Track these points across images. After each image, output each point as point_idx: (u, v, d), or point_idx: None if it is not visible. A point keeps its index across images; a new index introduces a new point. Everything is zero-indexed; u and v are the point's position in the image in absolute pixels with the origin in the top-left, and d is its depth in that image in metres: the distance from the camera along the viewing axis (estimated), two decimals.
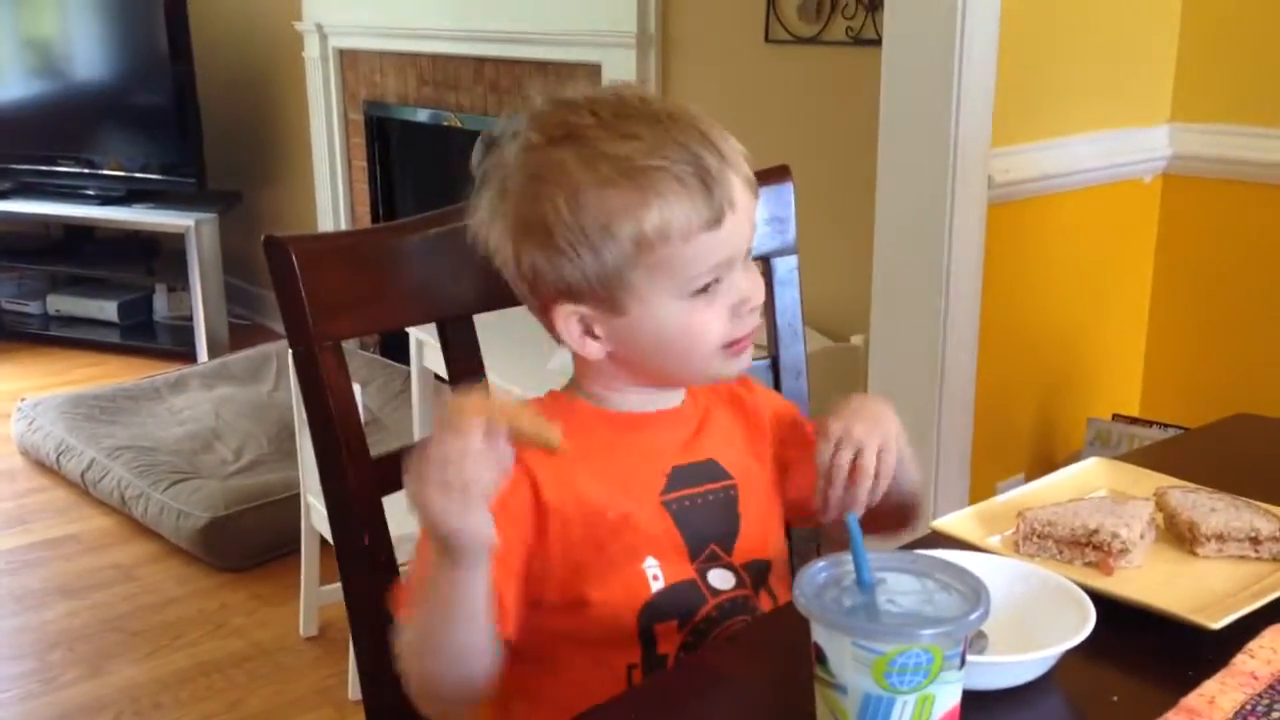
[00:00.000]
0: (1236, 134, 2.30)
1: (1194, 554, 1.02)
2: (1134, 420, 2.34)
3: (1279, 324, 2.31)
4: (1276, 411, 1.49)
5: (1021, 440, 2.34)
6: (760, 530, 1.06)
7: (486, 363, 1.19)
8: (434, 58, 3.74)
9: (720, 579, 1.01)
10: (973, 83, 2.00)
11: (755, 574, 1.04)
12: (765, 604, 1.04)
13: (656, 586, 0.98)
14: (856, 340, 2.45)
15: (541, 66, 3.32)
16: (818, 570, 0.79)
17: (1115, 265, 2.42)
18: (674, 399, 1.04)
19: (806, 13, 2.62)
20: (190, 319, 4.41)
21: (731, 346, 0.98)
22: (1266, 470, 1.19)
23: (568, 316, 0.97)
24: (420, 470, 0.82)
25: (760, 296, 0.99)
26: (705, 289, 0.95)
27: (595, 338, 0.98)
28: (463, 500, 0.82)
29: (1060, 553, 1.00)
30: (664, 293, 0.95)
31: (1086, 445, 2.33)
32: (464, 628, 0.89)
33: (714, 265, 0.95)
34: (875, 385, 2.19)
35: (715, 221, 0.93)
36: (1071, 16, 2.19)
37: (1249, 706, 0.81)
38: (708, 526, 1.02)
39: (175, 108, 4.31)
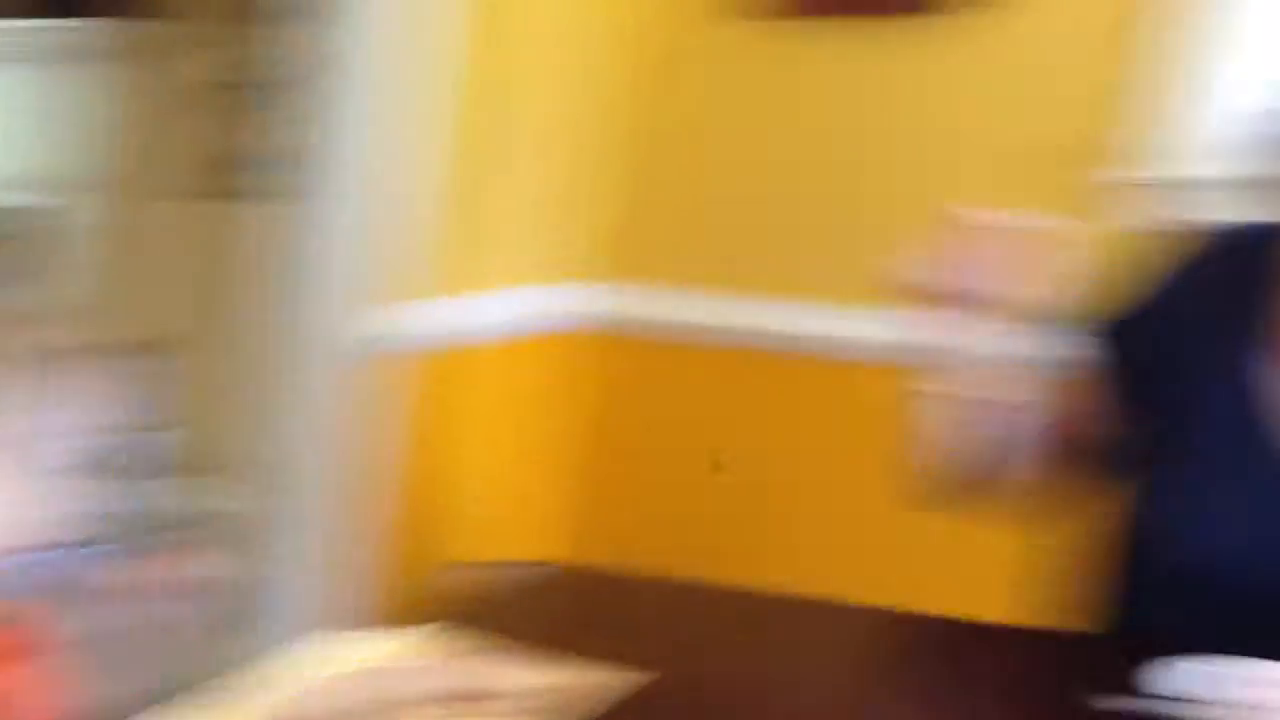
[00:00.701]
0: (663, 295, 2.38)
1: None
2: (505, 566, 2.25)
3: (695, 487, 2.37)
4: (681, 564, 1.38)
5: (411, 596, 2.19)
6: None
7: None
8: None
9: None
10: (375, 235, 2.00)
11: None
12: None
13: None
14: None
15: None
16: None
17: (539, 419, 2.41)
18: None
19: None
20: None
21: None
22: (584, 624, 1.14)
23: None
24: None
25: None
26: None
27: None
28: None
29: None
30: None
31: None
32: None
33: None
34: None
35: None
36: (499, 171, 2.22)
37: None
38: None
39: None
